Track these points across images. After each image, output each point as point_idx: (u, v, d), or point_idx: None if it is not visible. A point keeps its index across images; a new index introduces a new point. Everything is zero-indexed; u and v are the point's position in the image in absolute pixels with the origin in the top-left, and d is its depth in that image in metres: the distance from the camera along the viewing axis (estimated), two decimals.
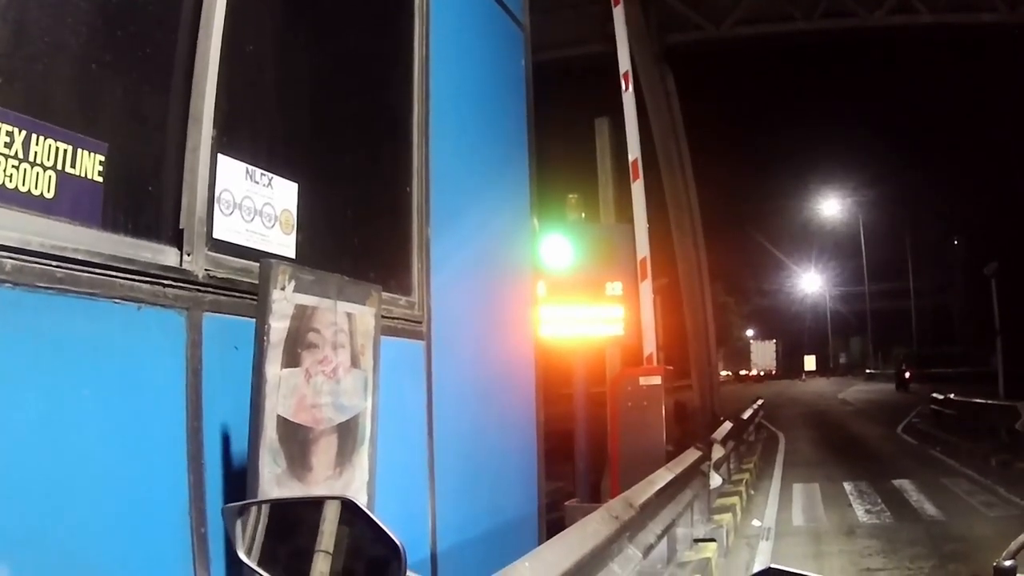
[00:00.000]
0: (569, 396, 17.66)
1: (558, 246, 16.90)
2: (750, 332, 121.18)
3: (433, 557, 7.35)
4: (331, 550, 2.50)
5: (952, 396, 34.69)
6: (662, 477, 10.87)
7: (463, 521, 8.03)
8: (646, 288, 17.68)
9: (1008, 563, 2.03)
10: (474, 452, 8.58)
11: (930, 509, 17.43)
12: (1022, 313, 47.98)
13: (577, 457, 17.43)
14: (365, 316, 5.57)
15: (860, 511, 17.59)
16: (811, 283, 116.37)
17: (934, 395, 37.40)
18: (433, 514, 7.51)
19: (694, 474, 13.19)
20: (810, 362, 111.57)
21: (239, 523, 2.65)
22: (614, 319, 17.24)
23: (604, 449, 17.17)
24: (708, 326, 37.12)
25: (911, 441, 32.60)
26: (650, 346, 17.77)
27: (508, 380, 9.88)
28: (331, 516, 2.57)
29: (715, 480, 15.12)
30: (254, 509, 2.75)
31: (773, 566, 2.07)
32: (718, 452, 16.03)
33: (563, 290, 16.68)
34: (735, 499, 16.90)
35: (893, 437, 34.72)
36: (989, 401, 31.01)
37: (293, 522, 2.72)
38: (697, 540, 12.64)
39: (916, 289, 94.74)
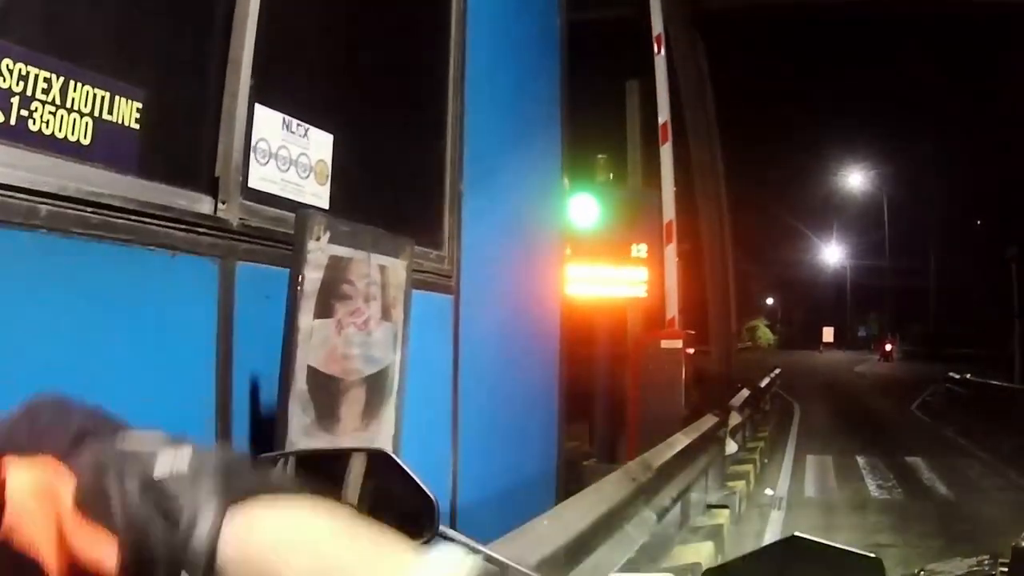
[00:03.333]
0: (589, 356, 17.71)
1: (585, 206, 16.93)
2: (770, 301, 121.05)
3: (453, 511, 7.36)
4: (362, 502, 2.50)
5: (969, 376, 34.67)
6: (680, 441, 10.91)
7: (483, 476, 8.05)
8: (671, 252, 17.76)
9: None
10: (497, 409, 8.59)
11: (941, 488, 17.49)
12: None
13: (595, 417, 17.52)
14: (397, 269, 5.58)
15: (872, 486, 17.66)
16: (832, 255, 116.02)
17: (950, 374, 37.38)
18: (455, 468, 7.55)
19: (711, 440, 13.22)
20: (828, 334, 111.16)
21: None
22: (638, 281, 17.30)
23: (622, 410, 17.24)
24: (729, 293, 36.99)
25: (925, 419, 32.62)
26: (672, 310, 17.83)
27: (533, 338, 9.87)
28: (363, 468, 2.56)
29: (731, 447, 15.15)
30: (284, 460, 2.76)
31: (797, 534, 2.07)
32: (735, 419, 16.06)
33: (588, 250, 16.72)
34: (749, 467, 16.94)
35: (907, 414, 34.74)
36: (1005, 384, 30.99)
37: (324, 473, 2.72)
38: (710, 506, 12.68)
39: (936, 268, 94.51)
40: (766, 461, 19.77)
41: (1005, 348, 50.14)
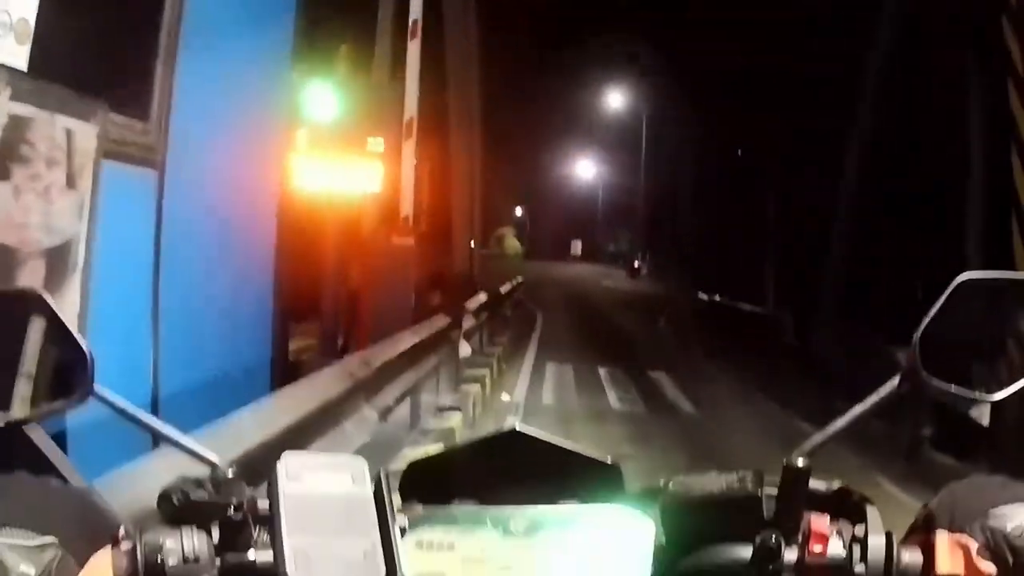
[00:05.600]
0: (322, 253, 17.51)
1: (323, 97, 16.76)
2: (519, 211, 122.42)
3: (155, 400, 7.05)
4: (21, 353, 2.19)
5: (718, 298, 35.61)
6: (406, 340, 10.76)
7: (189, 365, 7.72)
8: (408, 149, 17.57)
9: (802, 462, 1.82)
10: (205, 294, 8.23)
11: (685, 406, 17.80)
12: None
13: (324, 314, 17.31)
14: (87, 134, 5.22)
15: (612, 397, 17.88)
16: (587, 170, 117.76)
17: (700, 294, 38.32)
18: (156, 356, 7.19)
19: (442, 340, 13.12)
20: (576, 247, 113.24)
21: None
22: (372, 175, 17.17)
23: (354, 309, 17.11)
24: (474, 198, 37.11)
25: (670, 336, 33.29)
26: (407, 208, 17.68)
27: (248, 227, 9.51)
28: (21, 313, 2.24)
29: (464, 349, 15.15)
30: None
31: (519, 427, 1.83)
32: (469, 321, 16.03)
33: (324, 142, 16.54)
34: (485, 371, 16.96)
35: (652, 329, 35.40)
36: (756, 309, 31.93)
37: None
38: (442, 409, 12.61)
39: (691, 194, 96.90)
40: (504, 367, 19.86)
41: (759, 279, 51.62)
